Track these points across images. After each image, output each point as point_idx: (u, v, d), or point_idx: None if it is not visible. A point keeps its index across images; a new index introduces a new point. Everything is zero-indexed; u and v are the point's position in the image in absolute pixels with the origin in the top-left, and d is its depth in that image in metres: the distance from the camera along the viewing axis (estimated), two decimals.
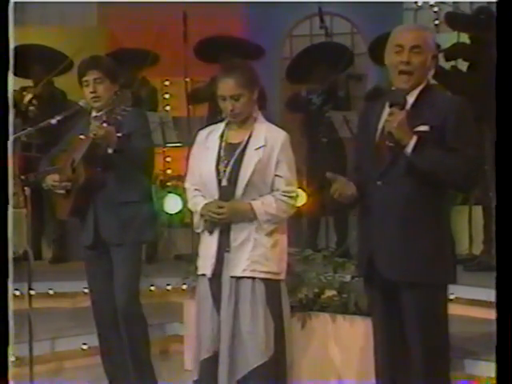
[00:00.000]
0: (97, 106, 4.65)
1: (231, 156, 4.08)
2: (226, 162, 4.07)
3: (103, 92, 4.62)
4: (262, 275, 4.03)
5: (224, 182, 4.06)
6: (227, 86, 4.04)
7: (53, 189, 4.68)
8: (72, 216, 4.75)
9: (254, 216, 4.01)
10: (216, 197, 4.06)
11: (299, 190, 7.06)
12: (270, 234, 4.04)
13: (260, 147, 4.05)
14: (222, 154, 4.10)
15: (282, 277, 4.13)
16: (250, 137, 4.09)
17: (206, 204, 4.08)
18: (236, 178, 4.04)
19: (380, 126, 3.82)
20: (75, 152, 4.60)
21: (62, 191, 4.65)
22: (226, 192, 4.06)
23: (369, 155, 3.85)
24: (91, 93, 4.62)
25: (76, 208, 4.67)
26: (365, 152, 3.90)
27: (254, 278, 4.02)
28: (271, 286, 4.05)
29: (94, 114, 4.69)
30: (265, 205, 4.02)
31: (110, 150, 4.41)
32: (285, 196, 4.06)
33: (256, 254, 4.02)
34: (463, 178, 3.71)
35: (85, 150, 4.51)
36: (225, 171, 4.06)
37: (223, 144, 4.13)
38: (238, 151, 4.07)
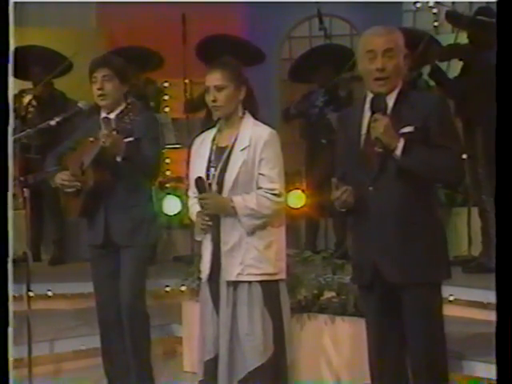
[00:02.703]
0: (103, 104, 4.62)
1: (220, 160, 4.10)
2: (215, 166, 4.10)
3: (111, 90, 4.60)
4: (258, 278, 4.04)
5: (214, 186, 4.08)
6: (212, 77, 4.09)
7: (61, 187, 4.69)
8: (82, 216, 4.76)
9: (234, 210, 4.01)
10: None
11: (298, 191, 7.03)
12: (260, 235, 4.05)
13: (245, 148, 4.06)
14: (213, 158, 4.13)
15: (281, 276, 4.12)
16: (236, 138, 4.10)
17: (197, 212, 4.13)
18: (222, 181, 4.06)
19: (363, 133, 3.83)
20: (84, 155, 4.59)
21: (72, 189, 4.65)
22: None
23: (356, 162, 3.85)
24: (98, 89, 4.59)
25: (86, 209, 4.69)
26: (350, 159, 3.89)
27: (250, 282, 4.03)
28: (268, 287, 4.06)
29: (103, 114, 4.67)
30: (245, 200, 4.02)
31: (118, 158, 4.42)
32: (267, 193, 4.05)
33: (249, 258, 4.03)
34: (452, 173, 3.79)
35: (94, 154, 4.50)
36: (214, 175, 4.08)
37: (214, 148, 4.15)
38: (225, 154, 4.09)
